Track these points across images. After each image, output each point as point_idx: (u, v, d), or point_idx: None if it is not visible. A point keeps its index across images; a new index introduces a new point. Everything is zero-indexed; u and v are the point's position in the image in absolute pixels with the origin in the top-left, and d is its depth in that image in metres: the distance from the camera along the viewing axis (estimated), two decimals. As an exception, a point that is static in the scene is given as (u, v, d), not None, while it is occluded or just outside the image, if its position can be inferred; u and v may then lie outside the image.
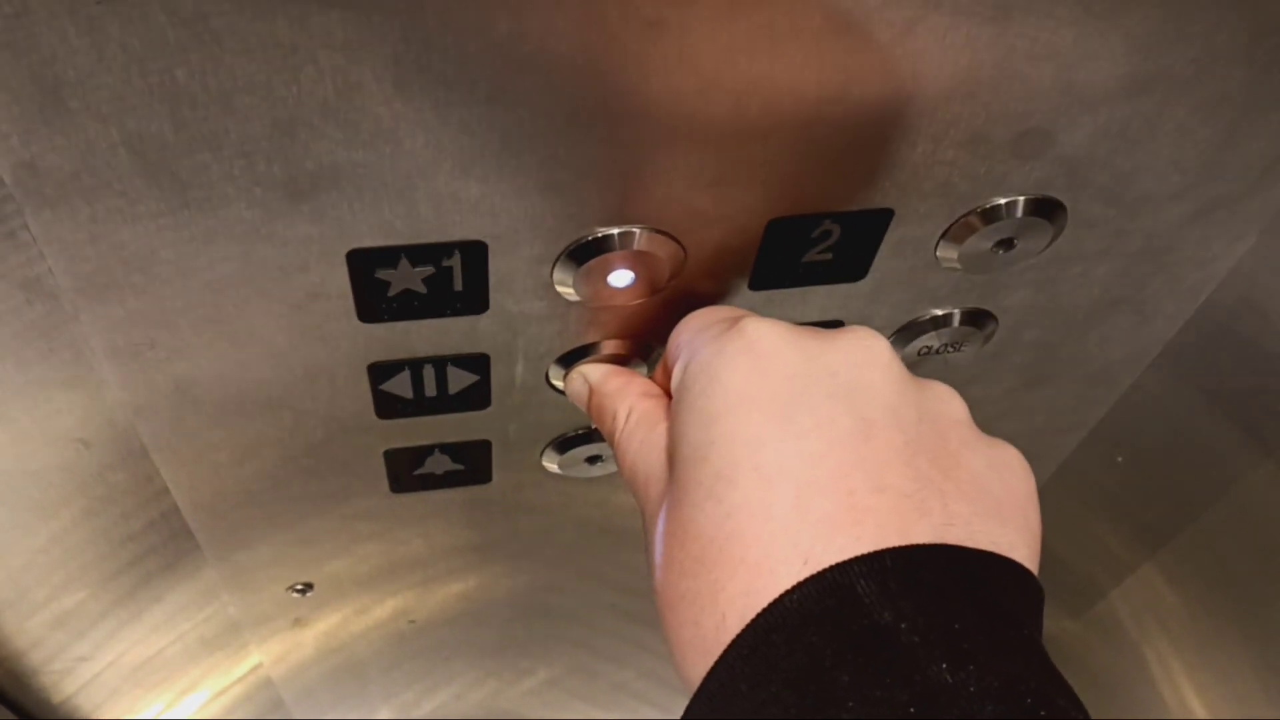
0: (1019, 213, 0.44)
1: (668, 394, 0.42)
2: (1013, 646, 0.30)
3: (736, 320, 0.38)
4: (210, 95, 0.32)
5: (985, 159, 0.41)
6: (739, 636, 0.31)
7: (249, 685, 0.83)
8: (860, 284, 0.47)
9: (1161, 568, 0.73)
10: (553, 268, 0.42)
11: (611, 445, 0.43)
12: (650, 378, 0.45)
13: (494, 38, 0.32)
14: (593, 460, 0.58)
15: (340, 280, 0.41)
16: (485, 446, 0.55)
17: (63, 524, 0.54)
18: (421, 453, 0.55)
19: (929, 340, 0.52)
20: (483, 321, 0.45)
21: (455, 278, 0.41)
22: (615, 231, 0.41)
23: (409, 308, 0.43)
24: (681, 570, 0.34)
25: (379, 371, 0.47)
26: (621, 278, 0.43)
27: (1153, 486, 0.69)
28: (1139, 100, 0.40)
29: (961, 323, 0.51)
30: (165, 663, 0.73)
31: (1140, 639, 0.78)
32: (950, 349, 0.53)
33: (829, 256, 0.45)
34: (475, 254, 0.41)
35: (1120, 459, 0.68)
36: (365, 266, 0.40)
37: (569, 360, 0.48)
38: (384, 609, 0.77)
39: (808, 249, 0.44)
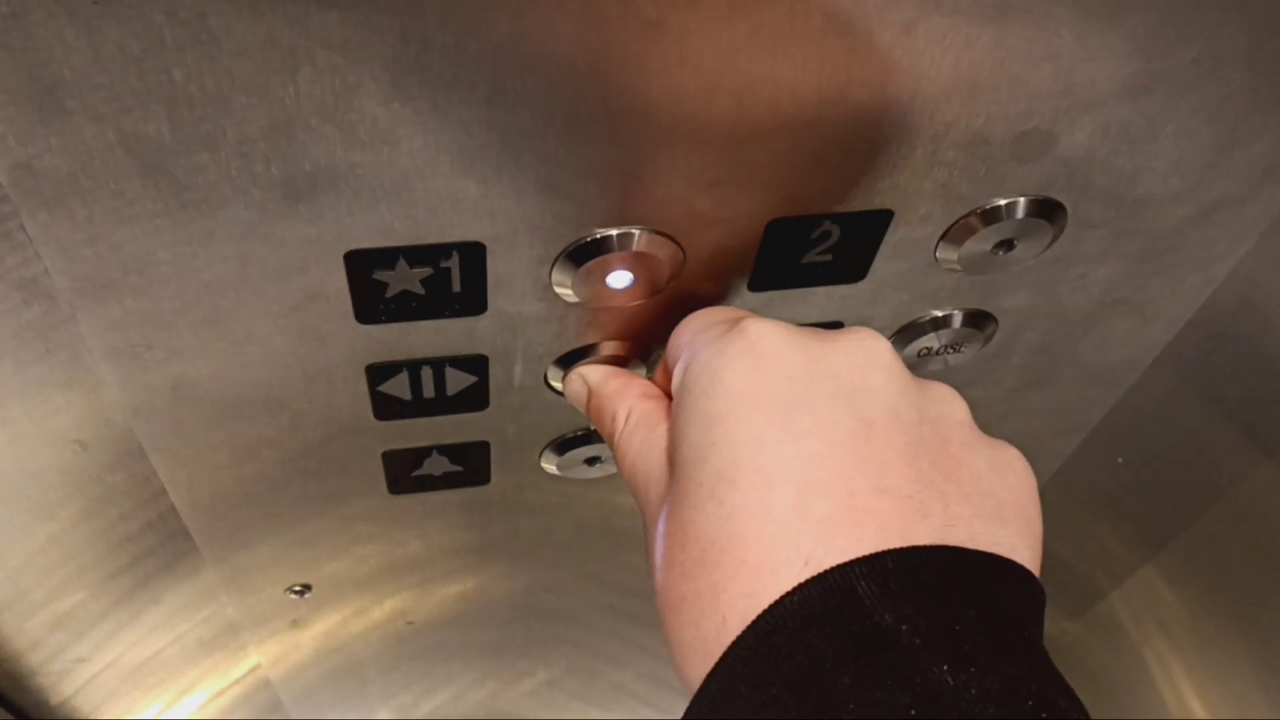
0: (1019, 214, 0.44)
1: (667, 395, 0.42)
2: (1014, 648, 0.30)
3: (737, 321, 0.38)
4: (207, 96, 0.32)
5: (985, 160, 0.41)
6: (739, 638, 0.31)
7: (247, 686, 0.82)
8: (860, 285, 0.47)
9: (1162, 569, 0.73)
10: (551, 269, 0.42)
11: (611, 447, 0.43)
12: (649, 379, 0.45)
13: (493, 38, 0.32)
14: (591, 461, 0.58)
15: (338, 281, 0.41)
16: (484, 448, 0.55)
17: (61, 525, 0.54)
18: (420, 454, 0.55)
19: (929, 341, 0.52)
20: (481, 323, 0.44)
21: (453, 279, 0.41)
22: (614, 232, 0.41)
23: (407, 309, 0.42)
24: (682, 572, 0.34)
25: (377, 373, 0.47)
26: (620, 279, 0.43)
27: (1153, 488, 0.68)
28: (1139, 101, 0.40)
29: (961, 324, 0.51)
30: (163, 664, 0.72)
31: (1140, 640, 0.78)
32: (950, 350, 0.53)
33: (829, 258, 0.45)
34: (473, 255, 0.40)
35: (1120, 460, 0.68)
36: (363, 267, 0.40)
37: (568, 361, 0.48)
38: (382, 610, 0.77)
39: (807, 250, 0.44)
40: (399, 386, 0.48)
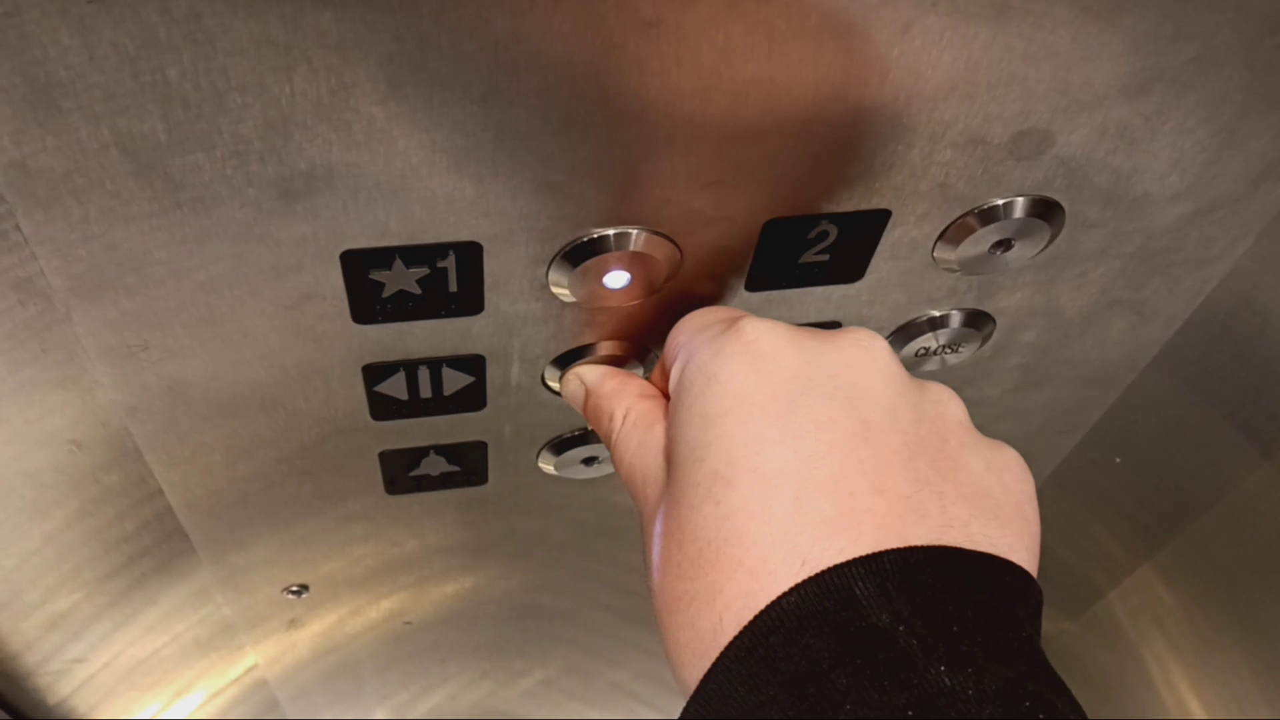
0: (1017, 214, 0.44)
1: (665, 395, 0.41)
2: (1012, 649, 0.30)
3: (735, 321, 0.38)
4: (203, 95, 0.32)
5: (983, 160, 0.41)
6: (736, 638, 0.31)
7: (244, 686, 0.82)
8: (857, 285, 0.47)
9: (1159, 569, 0.73)
10: (548, 269, 0.42)
11: (608, 447, 0.42)
12: (647, 379, 0.45)
13: (490, 37, 0.32)
14: (589, 462, 0.58)
15: (334, 281, 0.41)
16: (481, 448, 0.55)
17: (56, 525, 0.54)
18: (417, 454, 0.55)
19: (926, 341, 0.52)
20: (478, 323, 0.44)
21: (450, 279, 0.41)
22: (611, 232, 0.41)
23: (403, 309, 0.42)
24: (679, 572, 0.34)
25: (373, 373, 0.46)
26: (617, 279, 0.43)
27: (1151, 488, 0.68)
28: (1137, 101, 0.40)
29: (959, 324, 0.51)
30: (160, 664, 0.72)
31: (1138, 640, 0.78)
32: (948, 350, 0.53)
33: (826, 257, 0.45)
34: (470, 255, 0.40)
35: (1118, 460, 0.68)
36: (359, 267, 0.40)
37: (565, 361, 0.48)
38: (379, 610, 0.77)
39: (805, 250, 0.44)
40: (396, 386, 0.48)
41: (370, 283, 0.41)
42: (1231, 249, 0.50)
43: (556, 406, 0.51)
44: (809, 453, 0.33)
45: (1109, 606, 0.80)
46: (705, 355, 0.37)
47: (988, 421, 0.38)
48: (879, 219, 0.43)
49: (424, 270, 0.41)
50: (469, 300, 0.43)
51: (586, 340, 0.47)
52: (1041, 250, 0.46)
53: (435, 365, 0.47)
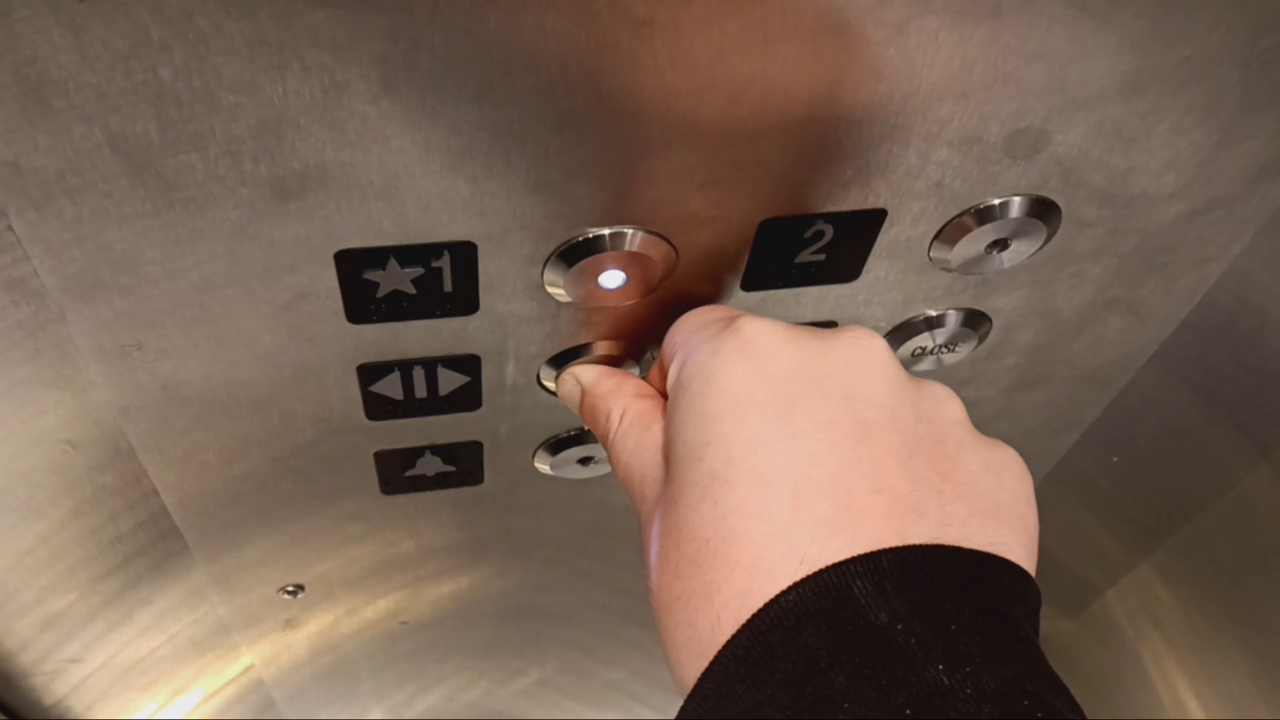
0: (1013, 213, 0.43)
1: (662, 394, 0.41)
2: (1010, 648, 0.30)
3: (733, 320, 0.38)
4: (195, 94, 0.32)
5: (979, 159, 0.41)
6: (734, 637, 0.31)
7: (240, 686, 0.82)
8: (854, 285, 0.47)
9: (1157, 568, 0.73)
10: (543, 268, 0.42)
11: (605, 446, 0.42)
12: (644, 379, 0.45)
13: (483, 36, 0.32)
14: (585, 461, 0.58)
15: (328, 281, 0.40)
16: (476, 448, 0.55)
17: (50, 525, 0.54)
18: (412, 454, 0.54)
19: (923, 341, 0.51)
20: (473, 322, 0.44)
21: (445, 278, 0.41)
22: (606, 232, 0.41)
23: (398, 309, 0.42)
24: (677, 571, 0.34)
25: (368, 373, 0.46)
26: (613, 278, 0.43)
27: (1148, 487, 0.68)
28: (1133, 100, 0.39)
29: (956, 324, 0.51)
30: (156, 664, 0.72)
31: (1136, 639, 0.78)
32: (945, 350, 0.53)
33: (822, 257, 0.44)
34: (465, 254, 0.40)
35: (1115, 459, 0.68)
36: (353, 267, 0.40)
37: (560, 361, 0.48)
38: (375, 610, 0.77)
39: (800, 249, 0.44)
40: (391, 386, 0.47)
41: (365, 282, 0.41)
42: (1228, 248, 0.50)
43: (552, 406, 0.51)
44: (807, 452, 0.33)
45: (1106, 606, 0.80)
46: (703, 354, 0.37)
47: (985, 421, 0.38)
48: (875, 218, 0.43)
49: (418, 270, 0.41)
50: (464, 300, 0.43)
51: (582, 340, 0.47)
52: (1038, 250, 0.46)
53: (430, 365, 0.47)
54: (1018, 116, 0.39)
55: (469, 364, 0.47)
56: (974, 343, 0.53)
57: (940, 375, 0.54)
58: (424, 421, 0.51)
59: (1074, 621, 0.83)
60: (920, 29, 0.35)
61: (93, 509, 0.53)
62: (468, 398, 0.49)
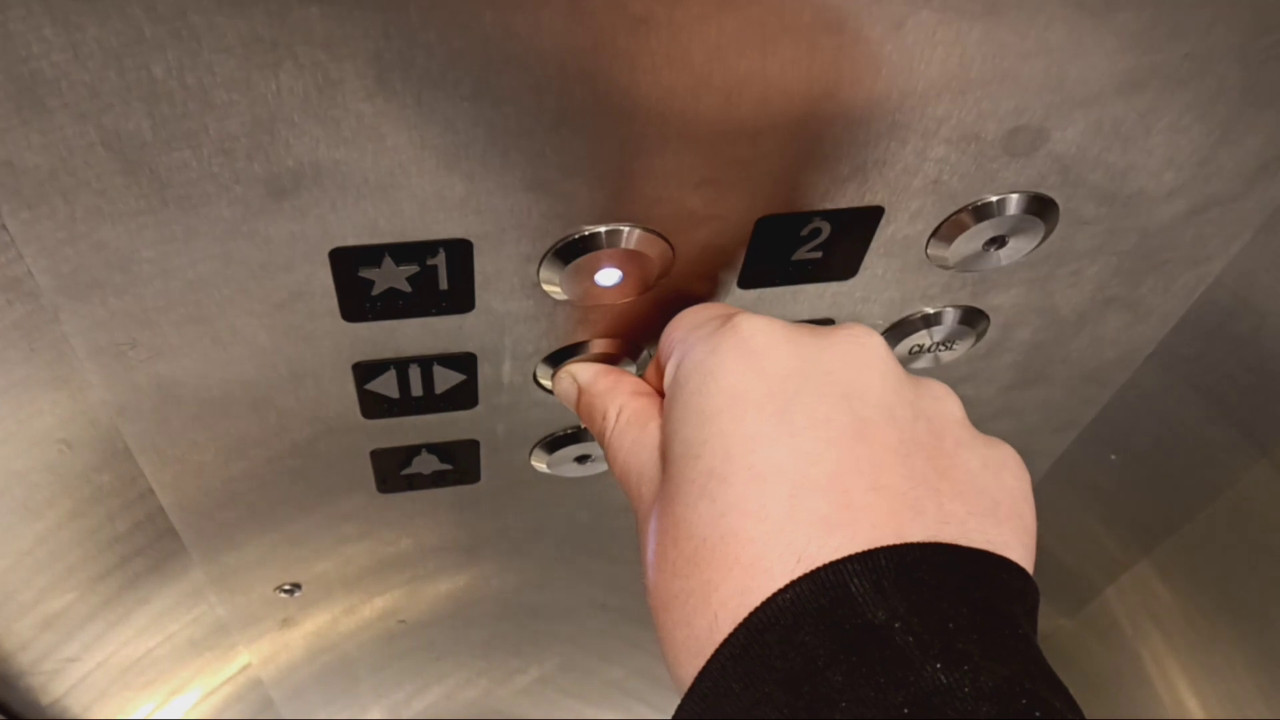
0: (1011, 210, 0.43)
1: (659, 392, 0.41)
2: (1008, 646, 0.30)
3: (730, 317, 0.38)
4: (189, 92, 0.32)
5: (976, 156, 0.41)
6: (731, 636, 0.31)
7: (238, 685, 0.82)
8: (851, 282, 0.47)
9: (1156, 566, 0.73)
10: (539, 266, 0.42)
11: (602, 445, 0.42)
12: (641, 377, 0.45)
13: (479, 33, 0.32)
14: (582, 460, 0.57)
15: (323, 279, 0.40)
16: (473, 446, 0.55)
17: (48, 525, 0.54)
18: (409, 452, 0.54)
19: (920, 339, 0.51)
20: (469, 320, 0.44)
21: (440, 276, 0.41)
22: (603, 230, 0.41)
23: (394, 307, 0.42)
24: (674, 570, 0.34)
25: (364, 371, 0.46)
26: (609, 276, 0.42)
27: (1147, 485, 0.68)
28: (1132, 97, 0.39)
29: (953, 321, 0.51)
30: (154, 664, 0.72)
31: (1135, 637, 0.78)
32: (942, 348, 0.52)
33: (819, 255, 0.44)
34: (460, 252, 0.40)
35: (1114, 457, 0.67)
36: (348, 265, 0.40)
37: (557, 359, 0.48)
38: (373, 609, 0.77)
39: (797, 247, 0.44)
40: (387, 385, 0.47)
41: (360, 280, 0.41)
42: (1227, 246, 0.50)
43: (549, 405, 0.51)
44: (805, 450, 0.33)
45: (1106, 604, 0.80)
46: (701, 352, 0.37)
47: (983, 419, 0.38)
48: (872, 216, 0.43)
49: (414, 268, 0.40)
50: (460, 298, 0.43)
51: (579, 338, 0.47)
52: (1036, 247, 0.46)
53: (426, 363, 0.47)
54: (1016, 114, 0.39)
55: (465, 362, 0.47)
56: (972, 341, 0.53)
57: (938, 373, 0.54)
58: (420, 420, 0.51)
59: (1073, 620, 0.83)
60: (917, 26, 0.35)
61: (90, 509, 0.53)
62: (464, 396, 0.49)
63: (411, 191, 0.37)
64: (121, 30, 0.30)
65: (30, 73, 0.31)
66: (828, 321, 0.49)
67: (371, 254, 0.39)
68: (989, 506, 0.34)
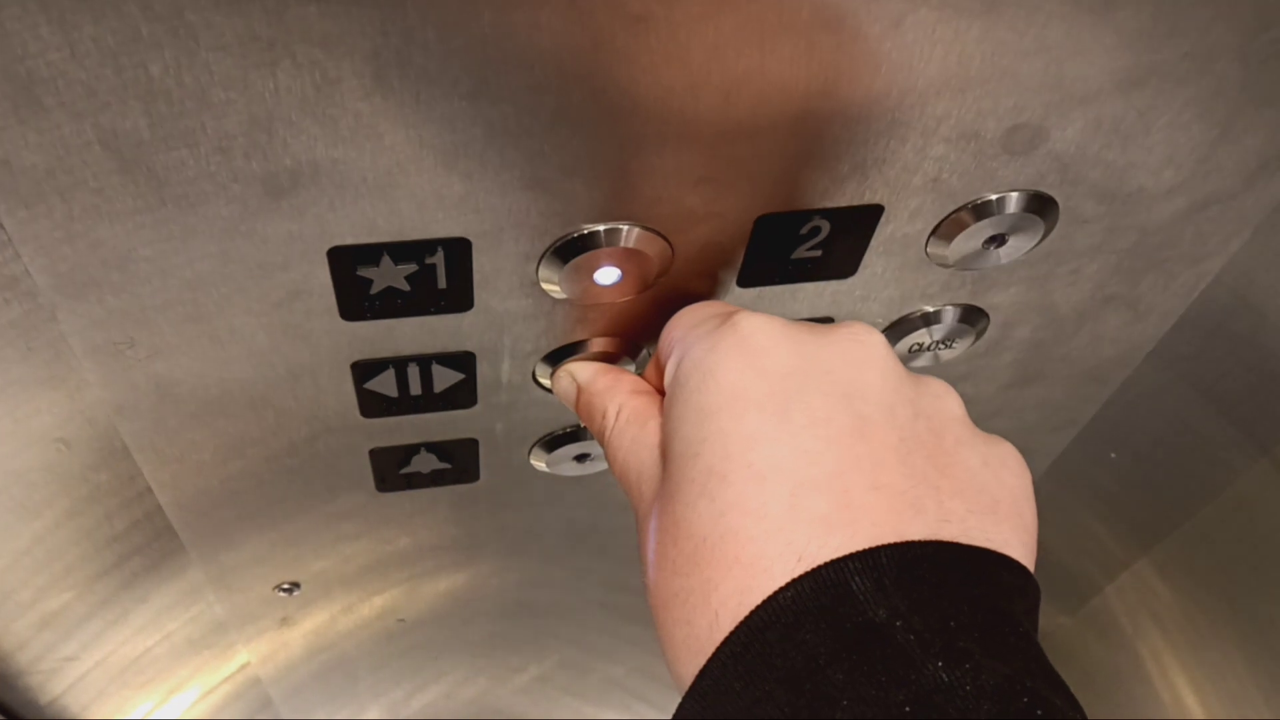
0: (1010, 209, 0.43)
1: (658, 391, 0.41)
2: (1009, 644, 0.30)
3: (730, 316, 0.38)
4: (186, 91, 0.32)
5: (976, 155, 0.41)
6: (732, 634, 0.31)
7: (237, 684, 0.82)
8: (850, 281, 0.47)
9: (1156, 564, 0.73)
10: (538, 265, 0.42)
11: (601, 444, 0.42)
12: (640, 376, 0.45)
13: (477, 32, 0.32)
14: (581, 459, 0.57)
15: (322, 278, 0.40)
16: (472, 445, 0.55)
17: (46, 524, 0.54)
18: (408, 451, 0.54)
19: (920, 337, 0.51)
20: (467, 319, 0.44)
21: (439, 275, 0.41)
22: (601, 228, 0.40)
23: (392, 306, 0.42)
24: (674, 568, 0.34)
25: (363, 370, 0.46)
26: (608, 275, 0.42)
27: (1147, 483, 0.68)
28: (1132, 95, 0.39)
29: (953, 320, 0.51)
30: (153, 662, 0.72)
31: (1135, 635, 0.78)
32: (942, 346, 0.52)
33: (818, 253, 0.44)
34: (459, 251, 0.40)
35: (1114, 456, 0.67)
36: (347, 264, 0.40)
37: (556, 358, 0.47)
38: (372, 607, 0.77)
39: (797, 246, 0.44)
40: (385, 384, 0.47)
41: (358, 279, 0.41)
42: (1227, 244, 0.49)
43: (548, 403, 0.51)
44: (805, 449, 0.33)
45: (1105, 602, 0.80)
46: (701, 350, 0.37)
47: (982, 417, 0.38)
48: (872, 214, 0.43)
49: (412, 267, 0.40)
50: (458, 297, 0.42)
51: (578, 337, 0.47)
52: (1035, 246, 0.46)
53: (425, 362, 0.46)
54: (1015, 112, 0.39)
55: (464, 361, 0.47)
56: (971, 339, 0.53)
57: (937, 371, 0.54)
58: (419, 419, 0.51)
59: (1073, 618, 0.83)
60: (916, 24, 0.35)
61: (88, 508, 0.53)
62: (463, 395, 0.49)
63: (410, 190, 0.37)
64: (118, 29, 0.30)
65: (27, 71, 0.30)
66: (827, 320, 0.49)
67: (370, 253, 0.39)
68: (989, 504, 0.34)
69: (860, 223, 0.43)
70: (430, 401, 0.49)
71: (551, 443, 0.56)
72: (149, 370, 0.44)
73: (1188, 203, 0.46)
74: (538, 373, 0.49)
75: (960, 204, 0.43)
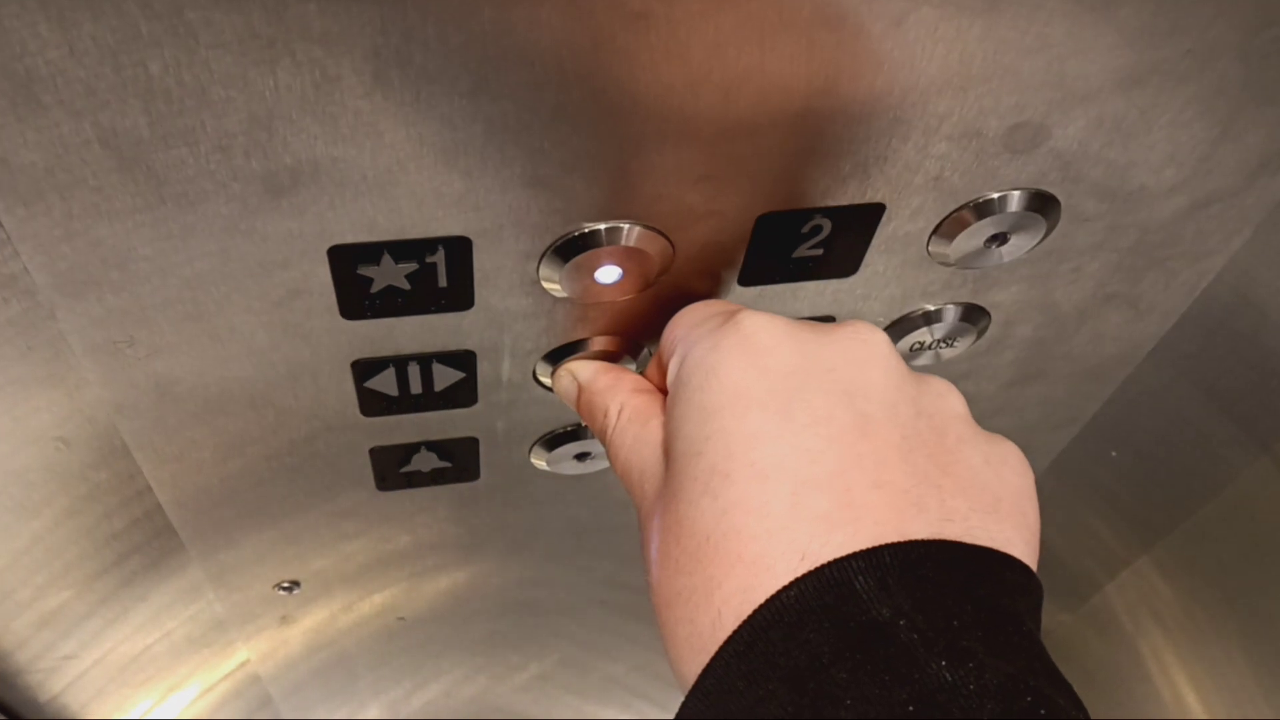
0: (1012, 207, 0.43)
1: (661, 390, 0.41)
2: (1012, 643, 0.30)
3: (733, 314, 0.38)
4: (185, 89, 0.32)
5: (978, 153, 0.41)
6: (735, 633, 0.31)
7: (237, 682, 0.82)
8: (852, 279, 0.47)
9: (1157, 562, 0.73)
10: (539, 263, 0.42)
11: (603, 442, 0.42)
12: (642, 374, 0.45)
13: (477, 29, 0.32)
14: (581, 457, 0.57)
15: (322, 276, 0.40)
16: (473, 444, 0.55)
17: (45, 523, 0.54)
18: (408, 450, 0.54)
19: (921, 336, 0.51)
20: (468, 318, 0.44)
21: (439, 274, 0.41)
22: (602, 227, 0.40)
23: (392, 304, 0.42)
24: (677, 567, 0.34)
25: (363, 369, 0.46)
26: (609, 274, 0.42)
27: (1148, 481, 0.68)
28: (1133, 93, 0.39)
29: (954, 318, 0.51)
30: (152, 660, 0.72)
31: (1136, 633, 0.78)
32: (943, 345, 0.52)
33: (820, 252, 0.44)
34: (459, 250, 0.40)
35: (1115, 454, 0.67)
36: (347, 263, 0.40)
37: (556, 357, 0.47)
38: (372, 605, 0.77)
39: (798, 244, 0.44)
40: (386, 382, 0.47)
41: (358, 278, 0.40)
42: (1228, 243, 0.49)
43: (549, 402, 0.51)
44: (807, 447, 0.33)
45: (1106, 600, 0.80)
46: (703, 349, 0.37)
47: (984, 416, 0.38)
48: (873, 213, 0.43)
49: (413, 265, 0.40)
50: (459, 295, 0.42)
51: (578, 336, 0.47)
52: (1037, 244, 0.46)
53: (425, 361, 0.46)
54: (1017, 110, 0.39)
55: (464, 360, 0.47)
56: (973, 337, 0.52)
57: (939, 370, 0.54)
58: (419, 417, 0.51)
59: (1074, 615, 0.83)
60: (918, 22, 0.35)
61: (87, 507, 0.53)
62: (463, 394, 0.49)
63: (410, 188, 0.37)
64: (117, 27, 0.30)
65: (26, 69, 0.30)
66: (829, 319, 0.49)
67: (370, 251, 0.39)
68: (991, 503, 0.34)
69: (862, 221, 0.43)
70: (430, 400, 0.49)
71: (552, 441, 0.56)
72: (148, 369, 0.44)
73: (1189, 201, 0.46)
74: (538, 371, 0.49)
75: (962, 202, 0.43)
